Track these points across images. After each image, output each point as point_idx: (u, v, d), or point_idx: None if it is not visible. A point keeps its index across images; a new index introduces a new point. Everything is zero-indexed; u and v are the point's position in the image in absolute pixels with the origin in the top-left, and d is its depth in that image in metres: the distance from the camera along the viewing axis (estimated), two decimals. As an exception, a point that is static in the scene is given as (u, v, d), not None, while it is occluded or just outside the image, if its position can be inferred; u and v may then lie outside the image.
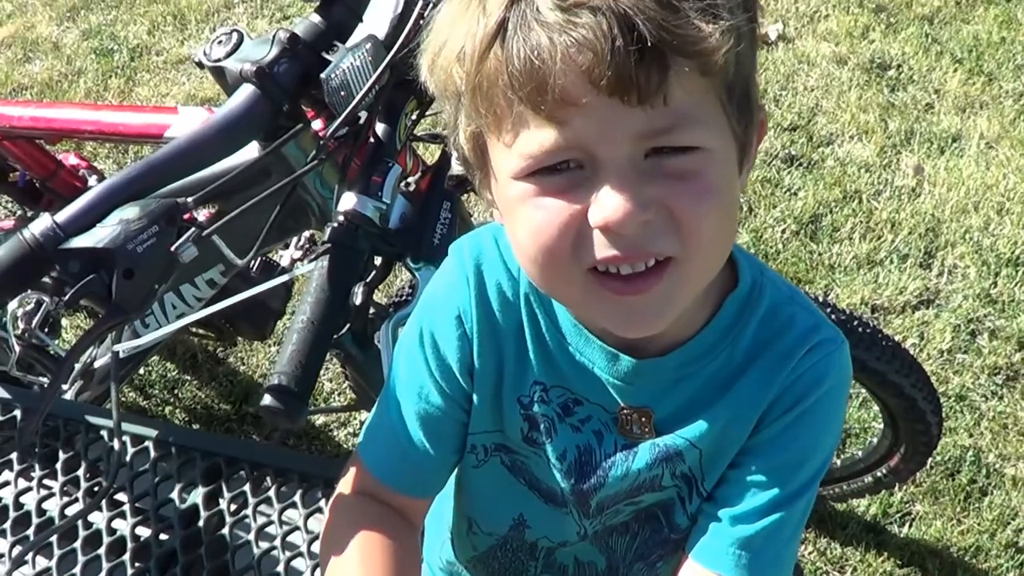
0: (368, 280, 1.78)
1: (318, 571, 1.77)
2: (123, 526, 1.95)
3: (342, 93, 1.75)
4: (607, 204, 1.02)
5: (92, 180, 2.97)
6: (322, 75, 1.72)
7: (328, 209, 2.10)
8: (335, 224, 1.76)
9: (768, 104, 4.55)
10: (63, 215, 1.49)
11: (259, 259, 2.76)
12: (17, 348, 2.61)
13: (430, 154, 3.46)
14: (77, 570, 1.88)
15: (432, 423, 1.38)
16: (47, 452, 2.10)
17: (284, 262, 2.89)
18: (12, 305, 2.51)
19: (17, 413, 2.19)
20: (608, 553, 1.50)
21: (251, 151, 1.88)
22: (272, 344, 3.78)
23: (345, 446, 3.45)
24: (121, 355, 2.08)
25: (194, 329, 3.19)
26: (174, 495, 1.99)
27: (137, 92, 5.12)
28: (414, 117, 2.00)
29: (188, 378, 3.79)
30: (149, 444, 2.08)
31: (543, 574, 1.56)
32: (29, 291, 1.69)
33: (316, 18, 1.81)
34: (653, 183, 1.02)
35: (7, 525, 1.98)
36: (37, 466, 2.08)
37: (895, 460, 2.76)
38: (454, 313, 1.34)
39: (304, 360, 1.62)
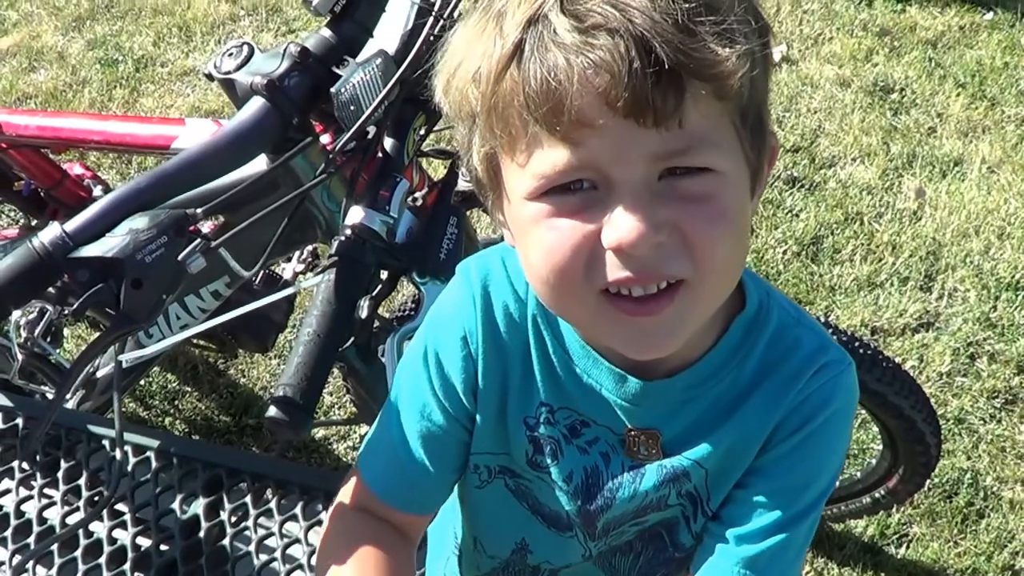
0: (374, 294, 1.78)
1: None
2: (124, 536, 1.96)
3: (352, 107, 1.75)
4: (620, 225, 1.01)
5: (97, 190, 2.98)
6: (332, 89, 1.73)
7: (334, 223, 2.10)
8: (342, 238, 1.76)
9: (771, 125, 4.54)
10: (72, 224, 1.49)
11: (262, 272, 2.76)
12: (20, 357, 2.62)
13: (434, 170, 3.47)
14: (77, 579, 1.88)
15: (433, 441, 1.37)
16: (49, 461, 2.11)
17: (287, 275, 2.89)
18: (15, 314, 2.52)
19: (19, 421, 2.20)
20: (611, 573, 1.49)
21: (259, 164, 1.88)
22: (273, 357, 3.78)
23: (345, 459, 3.45)
24: (124, 365, 2.08)
25: (196, 341, 3.19)
26: (175, 506, 1.99)
27: (141, 103, 5.12)
28: (422, 132, 2.00)
29: (189, 389, 3.79)
30: (151, 454, 2.09)
31: None
32: (32, 300, 1.69)
33: (327, 32, 1.82)
34: (666, 205, 1.02)
35: (8, 533, 1.98)
36: (39, 475, 2.08)
37: (893, 481, 2.76)
38: (459, 333, 1.34)
39: (309, 373, 1.62)
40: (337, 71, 1.77)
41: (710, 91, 0.99)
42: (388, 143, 1.91)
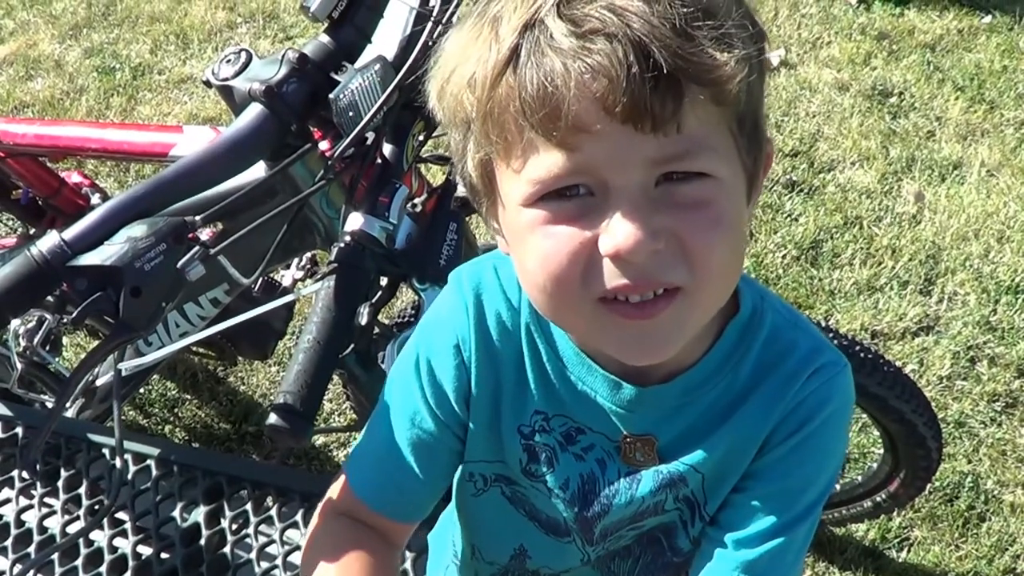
0: (374, 301, 1.78)
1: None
2: (125, 544, 1.95)
3: (350, 113, 1.75)
4: (618, 232, 1.00)
5: (95, 198, 2.98)
6: (331, 95, 1.73)
7: (333, 229, 2.10)
8: (341, 244, 1.76)
9: (770, 129, 4.53)
10: (70, 232, 1.49)
11: (261, 279, 2.76)
12: (19, 366, 2.62)
13: (432, 175, 3.47)
14: (78, 588, 1.88)
15: (423, 449, 1.37)
16: (49, 470, 2.10)
17: (286, 282, 2.89)
18: (14, 323, 2.51)
19: (19, 430, 2.19)
20: (610, 577, 1.49)
21: (258, 170, 1.87)
22: (272, 364, 3.78)
23: (346, 466, 3.44)
24: (124, 373, 2.07)
25: (195, 348, 3.19)
26: (176, 514, 1.99)
27: (139, 111, 5.12)
28: (421, 138, 2.00)
29: (188, 397, 3.78)
30: (151, 462, 2.08)
31: None
32: (31, 309, 1.68)
33: (325, 38, 1.81)
34: (664, 212, 1.01)
35: (8, 543, 1.98)
36: (39, 484, 2.08)
37: (895, 485, 2.75)
38: (452, 341, 1.33)
39: (310, 380, 1.62)
40: (335, 77, 1.77)
41: (708, 96, 0.99)
42: (387, 149, 1.90)
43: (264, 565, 1.88)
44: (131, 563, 1.92)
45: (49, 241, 1.47)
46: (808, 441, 1.26)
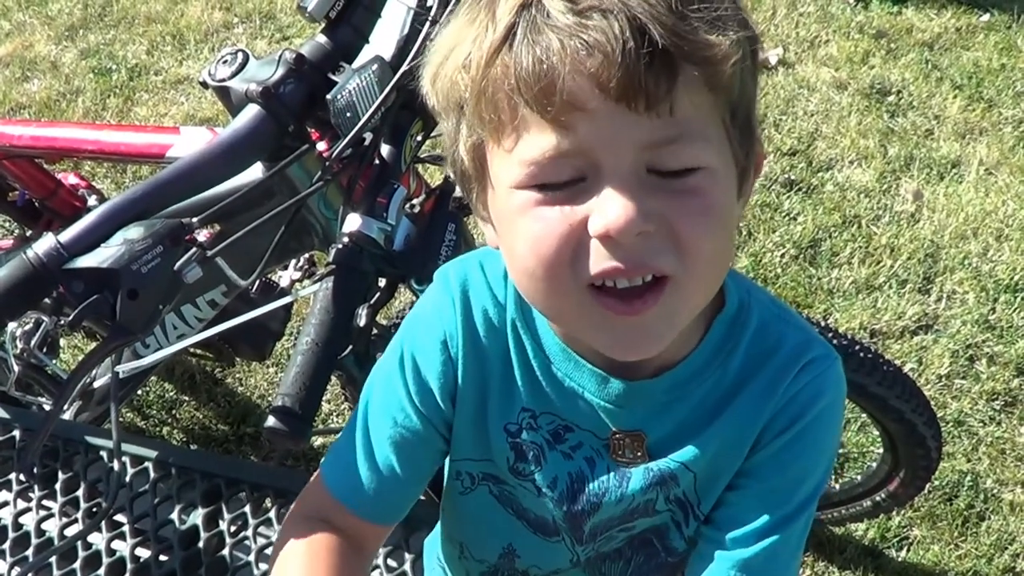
0: (372, 302, 1.77)
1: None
2: (123, 547, 1.95)
3: (348, 114, 1.74)
4: (608, 211, 1.00)
5: (92, 200, 2.97)
6: (328, 96, 1.72)
7: (331, 230, 2.09)
8: (340, 246, 1.75)
9: (768, 129, 4.56)
10: (67, 235, 1.48)
11: (258, 280, 2.75)
12: (16, 368, 2.61)
13: (430, 176, 3.46)
14: (76, 592, 1.88)
15: (405, 447, 1.36)
16: (46, 473, 2.10)
17: (283, 283, 2.88)
18: (11, 325, 2.51)
19: (16, 433, 2.19)
20: (602, 579, 1.49)
21: (255, 171, 1.87)
22: (270, 365, 3.77)
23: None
24: (121, 375, 2.07)
25: (193, 350, 3.18)
26: (174, 516, 1.99)
27: (136, 112, 5.11)
28: (419, 139, 1.99)
29: (186, 399, 3.78)
30: (149, 465, 2.08)
31: None
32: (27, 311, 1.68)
33: (322, 39, 1.81)
34: (655, 196, 1.01)
35: (6, 546, 1.98)
36: (36, 487, 2.07)
37: (894, 485, 2.75)
38: (439, 337, 1.33)
39: (308, 382, 1.61)
40: (333, 77, 1.76)
41: (702, 77, 0.99)
42: (385, 150, 1.89)
43: (263, 567, 1.88)
44: (129, 566, 1.92)
45: (45, 244, 1.46)
46: (801, 436, 1.25)
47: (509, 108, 1.03)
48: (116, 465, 1.85)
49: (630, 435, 1.29)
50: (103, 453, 2.13)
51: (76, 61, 5.51)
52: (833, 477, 3.22)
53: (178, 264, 1.51)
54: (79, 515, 2.02)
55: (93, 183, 3.16)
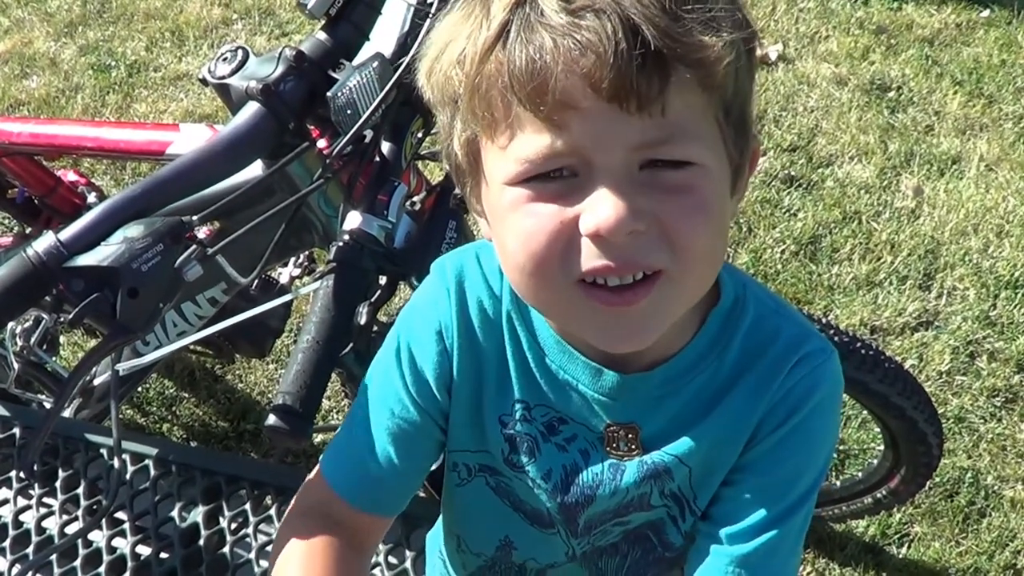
0: (373, 300, 1.77)
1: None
2: (123, 545, 1.95)
3: (348, 111, 1.74)
4: (599, 210, 1.01)
5: (91, 197, 2.97)
6: (328, 93, 1.72)
7: (331, 228, 2.09)
8: (340, 243, 1.75)
9: (768, 125, 4.56)
10: (67, 233, 1.48)
11: (259, 277, 2.75)
12: (16, 365, 2.61)
13: (430, 172, 3.46)
14: (77, 589, 1.87)
15: (402, 438, 1.36)
16: (47, 470, 2.10)
17: (283, 280, 2.88)
18: (10, 322, 2.50)
19: (16, 431, 2.19)
20: (598, 575, 1.49)
21: (255, 169, 1.87)
22: (270, 362, 3.77)
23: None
24: (121, 373, 2.06)
25: (193, 347, 3.18)
26: (174, 514, 1.99)
27: (135, 108, 5.10)
28: (419, 136, 1.99)
29: (186, 395, 3.77)
30: (149, 462, 2.08)
31: None
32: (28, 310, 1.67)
33: (322, 36, 1.80)
34: (647, 195, 1.02)
35: (6, 544, 1.97)
36: (36, 484, 2.07)
37: (895, 481, 2.75)
38: (435, 327, 1.34)
39: (309, 380, 1.61)
40: (333, 75, 1.76)
41: (695, 78, 1.00)
42: (385, 147, 1.89)
43: (264, 564, 1.88)
44: (130, 563, 1.92)
45: (45, 242, 1.46)
46: (797, 431, 1.25)
47: (502, 105, 1.04)
48: (116, 463, 1.85)
49: (624, 428, 1.29)
50: (103, 450, 2.13)
51: (75, 58, 5.51)
52: (834, 474, 3.22)
53: (178, 262, 1.51)
54: (79, 513, 2.02)
55: (92, 180, 3.16)
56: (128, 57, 5.46)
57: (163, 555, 1.93)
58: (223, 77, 1.78)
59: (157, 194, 1.58)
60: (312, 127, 1.84)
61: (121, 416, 2.86)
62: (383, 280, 1.89)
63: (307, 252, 2.84)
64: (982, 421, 3.39)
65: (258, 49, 2.04)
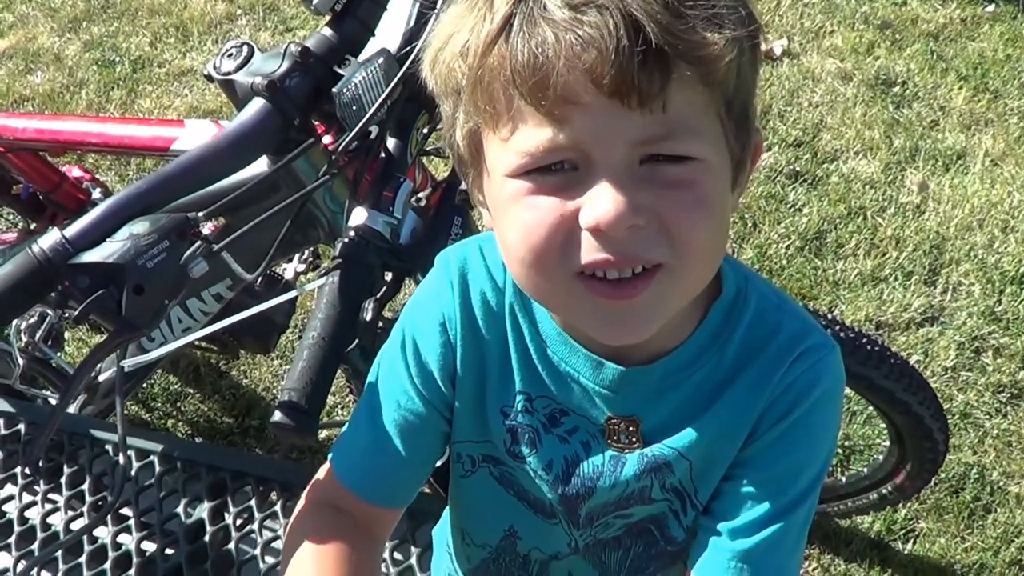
0: (378, 296, 1.77)
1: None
2: (128, 541, 1.95)
3: (354, 107, 1.74)
4: (599, 205, 1.01)
5: (96, 192, 2.97)
6: (334, 89, 1.72)
7: (337, 224, 2.09)
8: (346, 239, 1.75)
9: (773, 120, 4.55)
10: (72, 230, 1.48)
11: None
12: (21, 361, 2.61)
13: (435, 168, 3.46)
14: (82, 585, 1.88)
15: (409, 430, 1.37)
16: (52, 466, 2.10)
17: (288, 275, 2.88)
18: (16, 318, 2.50)
19: (21, 427, 2.19)
20: (602, 568, 1.48)
21: (260, 165, 1.87)
22: (275, 357, 3.77)
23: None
24: (126, 369, 2.06)
25: (198, 343, 3.18)
26: (179, 510, 1.99)
27: (139, 104, 5.11)
28: (425, 131, 1.99)
29: (191, 391, 3.78)
30: (154, 458, 2.08)
31: None
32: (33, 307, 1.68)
33: (328, 32, 1.80)
34: (647, 190, 1.02)
35: (12, 540, 1.98)
36: (42, 480, 2.07)
37: (901, 477, 2.75)
38: (438, 319, 1.34)
39: (315, 377, 1.61)
40: (339, 71, 1.76)
41: (696, 75, 1.00)
42: (391, 143, 1.90)
43: (269, 560, 1.88)
44: (135, 560, 1.92)
45: (51, 239, 1.46)
46: (797, 425, 1.25)
47: (504, 99, 1.04)
48: (122, 459, 1.85)
49: (625, 420, 1.30)
50: (108, 447, 2.13)
51: (79, 53, 5.51)
52: (839, 470, 3.22)
53: (184, 258, 1.51)
54: (84, 509, 2.02)
55: (97, 176, 3.16)
56: (132, 53, 5.46)
57: (168, 551, 1.94)
58: (228, 73, 1.78)
59: (162, 191, 1.58)
60: (317, 123, 1.84)
61: (126, 412, 2.86)
62: (389, 276, 1.88)
63: (312, 248, 2.84)
64: (987, 417, 3.39)
65: (262, 45, 2.04)
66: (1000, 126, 4.50)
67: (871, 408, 3.08)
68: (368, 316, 1.73)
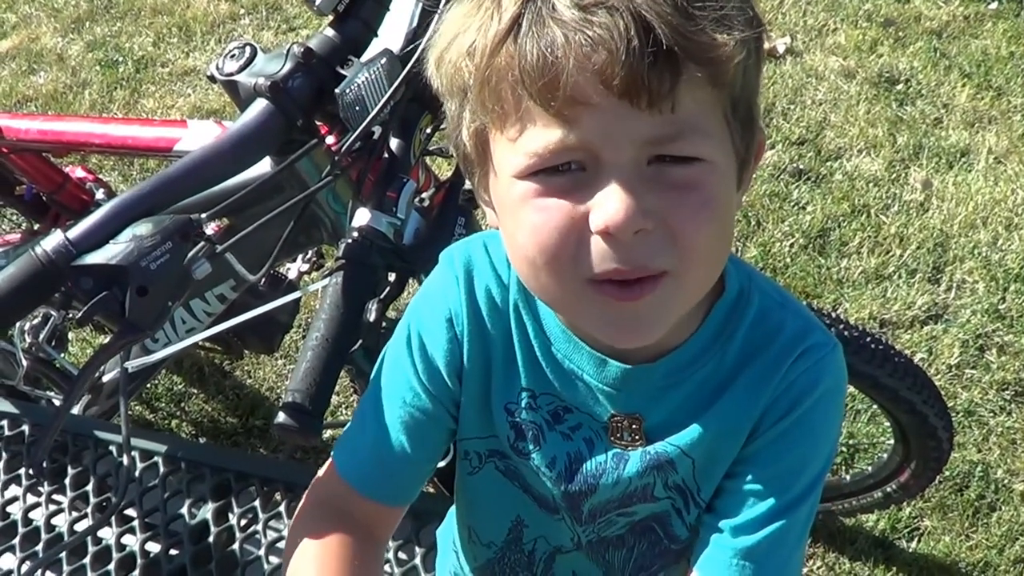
0: (382, 297, 1.77)
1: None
2: (133, 542, 1.95)
3: (357, 108, 1.74)
4: (608, 207, 1.02)
5: (99, 193, 2.97)
6: (337, 90, 1.72)
7: (340, 224, 2.09)
8: (349, 240, 1.75)
9: (776, 118, 4.55)
10: (75, 231, 1.48)
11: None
12: (25, 362, 2.61)
13: (438, 167, 3.46)
14: (87, 586, 1.88)
15: (414, 427, 1.37)
16: (56, 467, 2.10)
17: (291, 275, 2.88)
18: (19, 319, 2.50)
19: (25, 428, 2.19)
20: (606, 567, 1.49)
21: (264, 166, 1.87)
22: (279, 357, 3.77)
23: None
24: (130, 370, 2.07)
25: (202, 343, 3.18)
26: (184, 510, 1.99)
27: (142, 104, 5.11)
28: (428, 132, 1.99)
29: (195, 391, 3.78)
30: (158, 459, 2.08)
31: None
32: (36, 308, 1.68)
33: (331, 32, 1.80)
34: (654, 192, 1.03)
35: (16, 541, 1.98)
36: (46, 482, 2.08)
37: (905, 475, 2.75)
38: (444, 315, 1.34)
39: (318, 378, 1.61)
40: (341, 71, 1.76)
41: (705, 76, 1.00)
42: (394, 143, 1.90)
43: (274, 560, 1.88)
44: (139, 561, 1.92)
45: (54, 240, 1.46)
46: (799, 424, 1.25)
47: (513, 99, 1.04)
48: (126, 459, 1.85)
49: (628, 418, 1.30)
50: (112, 447, 2.13)
51: (82, 53, 5.51)
52: (844, 468, 3.22)
53: (187, 259, 1.51)
54: (89, 510, 2.02)
55: (100, 176, 3.16)
56: (135, 53, 5.46)
57: (173, 552, 1.94)
58: (231, 74, 1.78)
59: (166, 192, 1.58)
60: (321, 124, 1.84)
61: (129, 412, 2.86)
62: (392, 277, 1.88)
63: (316, 248, 2.84)
64: (992, 415, 3.39)
65: (265, 44, 2.04)
66: (1004, 123, 4.49)
67: (875, 406, 3.08)
68: (372, 317, 1.73)
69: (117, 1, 5.89)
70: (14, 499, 2.06)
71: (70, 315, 2.58)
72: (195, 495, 2.01)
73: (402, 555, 1.89)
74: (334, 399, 3.53)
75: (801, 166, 4.32)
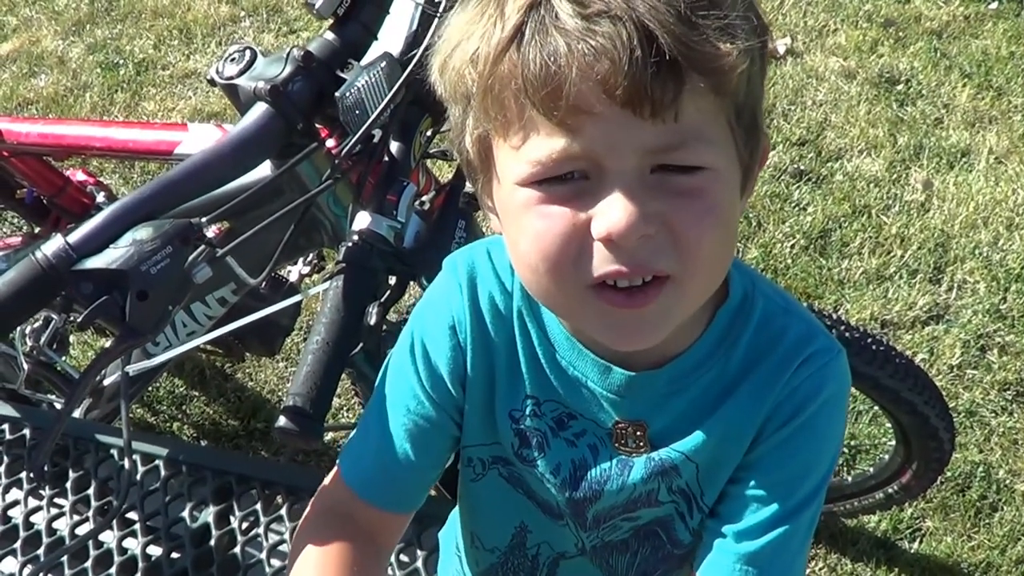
0: (383, 300, 1.77)
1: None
2: (134, 545, 1.95)
3: (357, 111, 1.74)
4: (611, 215, 1.01)
5: (100, 196, 2.97)
6: (337, 93, 1.72)
7: (340, 228, 2.09)
8: (349, 244, 1.75)
9: (777, 119, 4.55)
10: (75, 236, 1.48)
11: (268, 276, 2.75)
12: (26, 366, 2.61)
13: (438, 169, 3.45)
14: (88, 590, 1.88)
15: (418, 434, 1.37)
16: (57, 471, 2.10)
17: (292, 278, 2.88)
18: (20, 323, 2.50)
19: (26, 432, 2.19)
20: (609, 572, 1.49)
21: (264, 169, 1.87)
22: (280, 360, 3.77)
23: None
24: (131, 374, 2.06)
25: (203, 346, 3.18)
26: (185, 514, 1.99)
27: (143, 107, 5.10)
28: (428, 135, 1.99)
29: (196, 394, 3.78)
30: (160, 463, 2.08)
31: None
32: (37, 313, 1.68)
33: (330, 35, 1.80)
34: (657, 198, 1.02)
35: (17, 545, 1.98)
36: (47, 485, 2.08)
37: (907, 476, 2.75)
38: (448, 322, 1.34)
39: (319, 381, 1.61)
40: (341, 75, 1.76)
41: (709, 85, 1.00)
42: (394, 146, 1.90)
43: (275, 564, 1.88)
44: (141, 564, 1.92)
45: (54, 245, 1.46)
46: (803, 429, 1.25)
47: (516, 107, 1.04)
48: (127, 463, 1.85)
49: (632, 425, 1.30)
50: (114, 451, 2.13)
51: (83, 56, 5.51)
52: (845, 469, 3.22)
53: (187, 263, 1.51)
54: (90, 514, 2.02)
55: (101, 179, 3.16)
56: (136, 55, 5.45)
57: (174, 555, 1.94)
58: (231, 77, 1.78)
59: (166, 196, 1.58)
60: (321, 127, 1.84)
61: (131, 416, 2.86)
62: (393, 280, 1.88)
63: (316, 251, 2.84)
64: (993, 415, 3.39)
65: (266, 47, 2.04)
66: (1004, 123, 4.49)
67: (877, 407, 3.07)
68: (372, 320, 1.73)
69: (118, 4, 5.89)
70: (15, 503, 2.06)
71: (71, 318, 2.58)
72: (197, 498, 2.01)
73: (404, 558, 1.89)
74: (335, 402, 3.54)
75: (802, 167, 4.32)
